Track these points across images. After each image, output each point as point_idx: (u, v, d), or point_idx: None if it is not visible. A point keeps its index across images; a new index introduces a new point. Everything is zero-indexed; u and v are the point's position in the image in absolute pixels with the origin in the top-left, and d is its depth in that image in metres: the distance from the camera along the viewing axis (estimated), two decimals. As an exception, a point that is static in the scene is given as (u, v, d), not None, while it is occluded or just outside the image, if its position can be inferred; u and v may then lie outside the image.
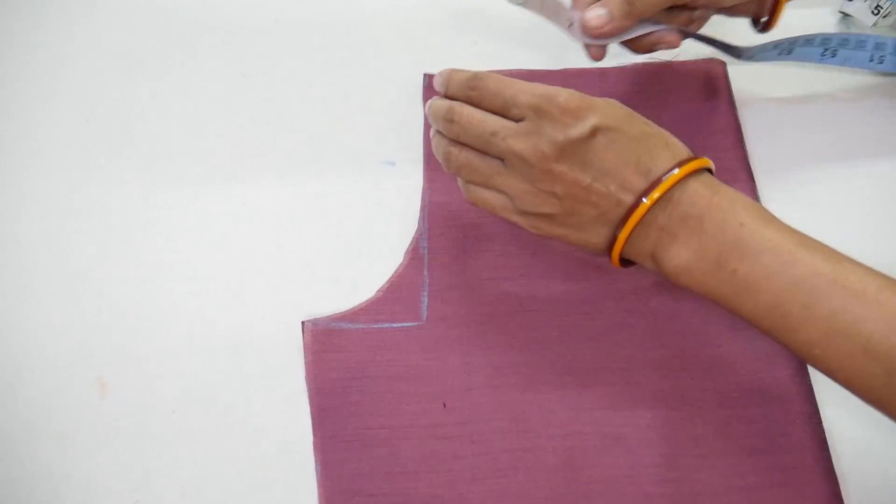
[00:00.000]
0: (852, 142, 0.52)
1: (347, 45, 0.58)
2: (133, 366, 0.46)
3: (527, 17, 0.48)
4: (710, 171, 0.39)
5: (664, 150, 0.38)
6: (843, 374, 0.34)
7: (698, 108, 0.54)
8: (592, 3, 0.44)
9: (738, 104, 0.54)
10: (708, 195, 0.37)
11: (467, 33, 0.58)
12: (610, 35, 0.45)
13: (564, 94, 0.38)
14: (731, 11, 0.49)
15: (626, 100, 0.40)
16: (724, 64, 0.55)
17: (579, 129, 0.37)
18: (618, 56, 0.52)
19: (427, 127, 0.53)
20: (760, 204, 0.38)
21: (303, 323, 0.47)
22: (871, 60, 0.48)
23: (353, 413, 0.44)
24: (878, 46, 0.48)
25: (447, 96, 0.42)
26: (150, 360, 0.46)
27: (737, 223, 0.36)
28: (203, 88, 0.57)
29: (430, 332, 0.46)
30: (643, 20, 0.46)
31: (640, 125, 0.39)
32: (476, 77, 0.40)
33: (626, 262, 0.40)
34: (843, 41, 0.48)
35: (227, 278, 0.49)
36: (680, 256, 0.37)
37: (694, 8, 0.47)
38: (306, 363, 0.46)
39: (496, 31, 0.57)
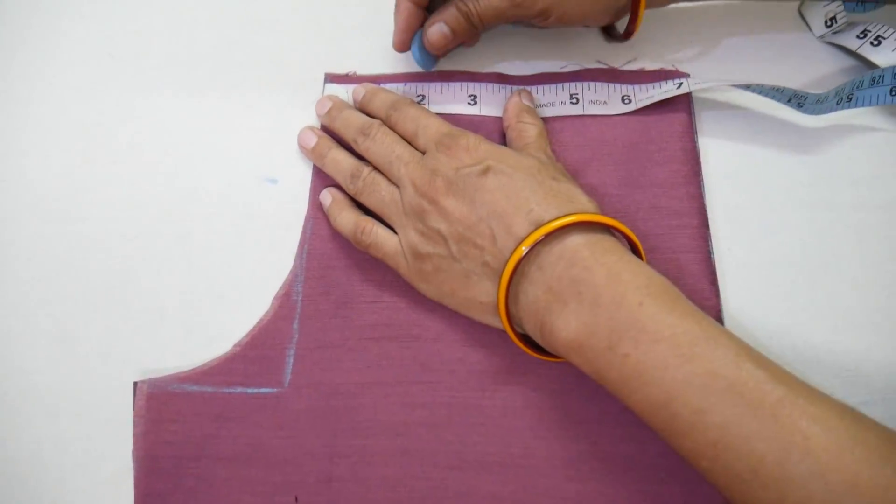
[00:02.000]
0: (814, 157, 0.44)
1: (236, 26, 0.49)
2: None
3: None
4: (634, 245, 0.35)
5: (566, 203, 0.34)
6: (731, 494, 0.30)
7: (655, 122, 0.44)
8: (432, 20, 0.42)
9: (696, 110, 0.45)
10: (607, 263, 0.33)
11: (381, 33, 0.47)
12: (448, 49, 0.43)
13: (470, 136, 0.38)
14: (580, 25, 0.44)
15: None
16: (686, 76, 0.45)
17: (472, 166, 0.36)
18: (581, 61, 0.46)
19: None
20: (669, 283, 0.33)
21: (135, 384, 0.38)
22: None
23: (184, 503, 0.36)
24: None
25: (364, 111, 0.43)
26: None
27: (636, 301, 0.31)
28: (59, 69, 0.47)
29: (290, 403, 0.38)
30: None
31: (546, 177, 0.36)
32: (400, 100, 0.42)
33: (528, 341, 0.36)
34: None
35: (51, 317, 0.40)
36: (569, 328, 0.32)
37: (533, 24, 0.44)
38: (136, 434, 0.38)
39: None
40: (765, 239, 0.41)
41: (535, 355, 0.36)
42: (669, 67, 0.46)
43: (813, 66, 0.46)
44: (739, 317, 0.39)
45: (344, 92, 0.45)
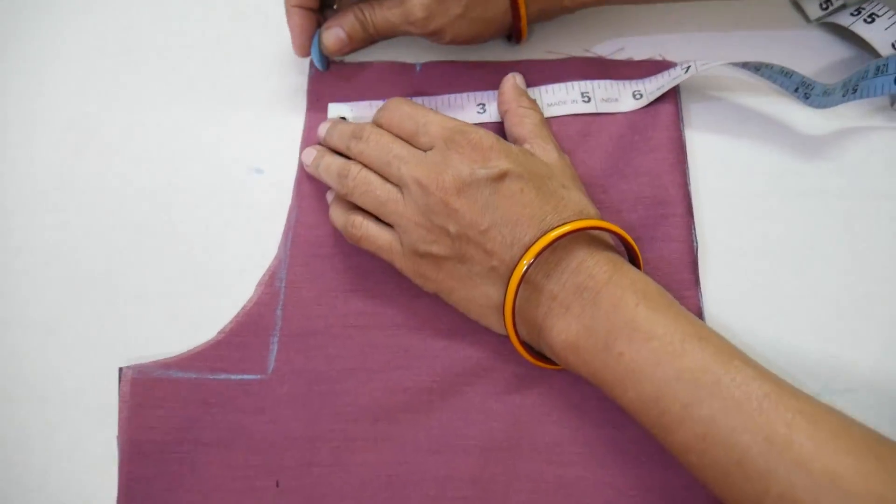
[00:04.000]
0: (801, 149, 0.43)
1: (223, 15, 0.49)
2: None
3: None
4: (633, 251, 0.36)
5: (575, 214, 0.35)
6: (716, 489, 0.30)
7: (642, 113, 0.44)
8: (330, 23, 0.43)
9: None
10: (609, 270, 0.34)
11: None
12: (346, 53, 0.44)
13: (480, 133, 0.37)
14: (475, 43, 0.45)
15: None
16: (675, 65, 0.45)
17: (487, 168, 0.35)
18: (550, 50, 0.46)
19: (311, 129, 0.44)
20: (664, 290, 0.34)
21: (120, 369, 0.38)
22: None
23: (167, 487, 0.37)
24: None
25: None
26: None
27: (633, 303, 0.33)
28: (43, 64, 0.47)
29: (272, 389, 0.38)
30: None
31: (557, 185, 0.36)
32: (390, 100, 0.40)
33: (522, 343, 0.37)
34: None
35: (36, 304, 0.41)
36: (569, 330, 0.34)
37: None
38: (120, 419, 0.38)
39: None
40: (750, 226, 0.41)
41: (532, 361, 0.36)
42: (658, 58, 0.46)
43: (805, 55, 0.46)
44: (722, 304, 0.39)
45: (348, 110, 0.45)
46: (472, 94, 0.45)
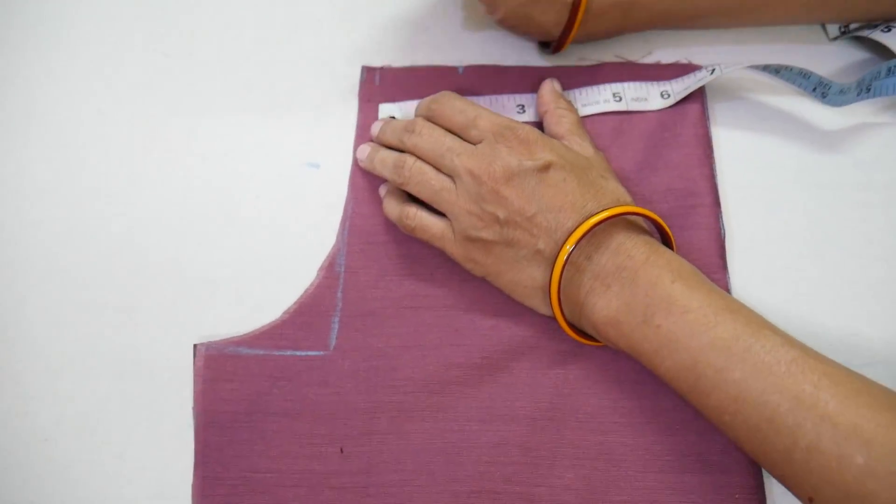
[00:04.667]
0: (825, 146, 0.47)
1: (279, 24, 0.53)
2: (1, 386, 0.41)
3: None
4: (666, 235, 0.39)
5: (613, 202, 0.38)
6: (749, 446, 0.33)
7: (670, 112, 0.47)
8: None
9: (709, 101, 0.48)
10: (647, 251, 0.37)
11: (414, 27, 0.52)
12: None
13: (526, 128, 0.40)
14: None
15: None
16: (701, 69, 0.49)
17: (533, 160, 0.38)
18: (583, 57, 0.49)
19: (363, 128, 0.48)
20: (697, 269, 0.37)
21: (195, 346, 0.42)
22: None
23: (238, 453, 0.40)
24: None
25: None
26: (23, 379, 0.42)
27: (669, 280, 0.35)
28: (116, 68, 0.51)
29: (335, 364, 0.41)
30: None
31: (596, 176, 0.39)
32: (441, 94, 0.43)
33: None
34: None
35: (115, 289, 0.44)
36: (610, 307, 0.36)
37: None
38: (195, 392, 0.41)
39: (445, 26, 0.51)
40: (772, 216, 0.44)
41: (576, 338, 0.39)
42: (684, 61, 0.49)
43: (827, 59, 0.49)
44: (748, 286, 0.42)
45: (397, 110, 0.48)
46: (512, 96, 0.48)
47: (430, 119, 0.43)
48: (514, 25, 0.47)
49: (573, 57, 0.50)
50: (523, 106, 0.48)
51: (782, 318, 0.41)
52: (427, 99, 0.44)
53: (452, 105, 0.42)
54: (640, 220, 0.40)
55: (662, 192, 0.45)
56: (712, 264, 0.43)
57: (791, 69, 0.45)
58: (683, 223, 0.44)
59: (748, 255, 0.43)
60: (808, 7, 0.47)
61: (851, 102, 0.44)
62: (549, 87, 0.47)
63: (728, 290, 0.42)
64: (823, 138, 0.47)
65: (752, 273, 0.43)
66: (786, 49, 0.49)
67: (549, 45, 0.49)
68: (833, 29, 0.50)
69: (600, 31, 0.48)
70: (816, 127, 0.47)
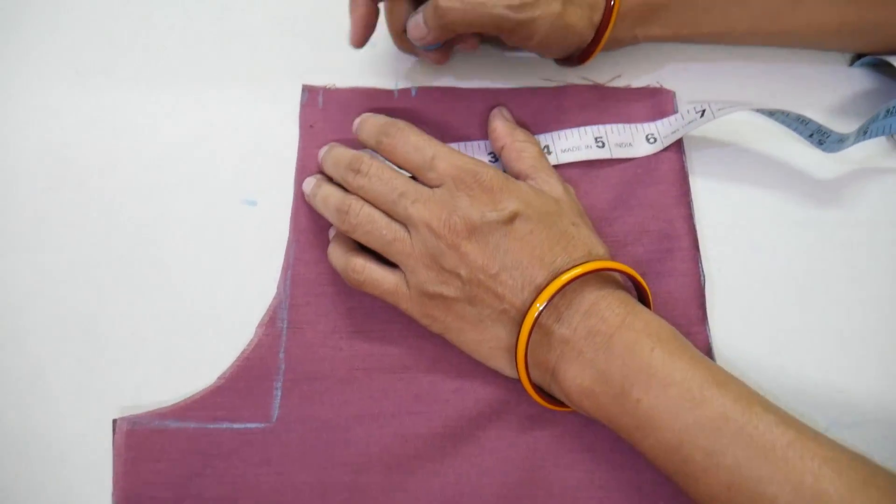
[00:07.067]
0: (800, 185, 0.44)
1: (211, 37, 0.47)
2: None
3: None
4: (643, 290, 0.36)
5: (585, 255, 0.35)
6: None
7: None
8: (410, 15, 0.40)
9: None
10: (622, 312, 0.33)
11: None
12: (430, 43, 0.40)
13: (490, 173, 0.36)
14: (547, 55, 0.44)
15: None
16: (672, 93, 0.45)
17: (497, 211, 0.35)
18: (548, 78, 0.45)
19: (305, 159, 0.42)
20: (677, 331, 0.34)
21: (114, 421, 0.36)
22: None
23: (169, 548, 0.34)
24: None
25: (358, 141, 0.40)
26: None
27: (648, 348, 0.32)
28: (27, 88, 0.44)
29: (279, 438, 0.37)
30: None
31: (567, 224, 0.36)
32: (393, 124, 0.38)
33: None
34: None
35: (19, 354, 0.38)
36: (584, 375, 0.33)
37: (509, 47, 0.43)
38: (115, 474, 0.36)
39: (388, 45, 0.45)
40: (752, 258, 0.42)
41: (545, 405, 0.36)
42: (655, 85, 0.46)
43: (841, 84, 0.46)
44: (729, 338, 0.39)
45: None
46: (481, 143, 0.43)
47: (380, 152, 0.38)
48: (548, 45, 0.41)
49: (536, 77, 0.46)
50: (495, 154, 0.43)
51: (766, 373, 0.38)
52: (376, 124, 0.39)
53: (407, 140, 0.37)
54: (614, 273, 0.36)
55: (637, 234, 0.41)
56: (692, 315, 0.40)
57: (788, 114, 0.42)
58: (661, 269, 0.40)
59: (728, 303, 0.40)
60: (839, 35, 0.45)
61: (848, 147, 0.42)
62: (501, 118, 0.42)
63: (709, 344, 0.39)
64: (804, 176, 0.44)
65: (732, 323, 0.40)
66: (759, 71, 0.46)
67: (568, 60, 0.44)
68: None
69: (627, 35, 0.43)
70: (795, 165, 0.44)
